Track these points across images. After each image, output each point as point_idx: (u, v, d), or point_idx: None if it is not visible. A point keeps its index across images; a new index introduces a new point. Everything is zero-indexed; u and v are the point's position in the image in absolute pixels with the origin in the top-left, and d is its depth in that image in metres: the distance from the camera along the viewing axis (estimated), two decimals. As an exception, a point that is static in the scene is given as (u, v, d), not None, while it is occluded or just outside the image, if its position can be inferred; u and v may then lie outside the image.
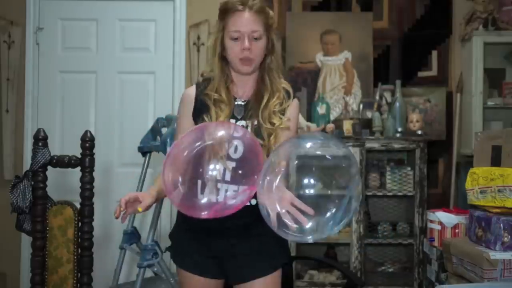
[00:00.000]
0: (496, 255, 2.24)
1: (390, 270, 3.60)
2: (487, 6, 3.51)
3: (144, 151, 3.05)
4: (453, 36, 3.71)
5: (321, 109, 3.52)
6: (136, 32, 3.72)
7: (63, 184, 3.42)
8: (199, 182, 1.63)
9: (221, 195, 1.62)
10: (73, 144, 3.07)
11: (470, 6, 3.58)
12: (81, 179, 2.67)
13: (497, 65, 3.70)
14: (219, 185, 1.63)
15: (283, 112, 1.82)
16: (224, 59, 1.81)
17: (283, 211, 1.55)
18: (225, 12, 1.76)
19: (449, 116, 3.67)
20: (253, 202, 1.71)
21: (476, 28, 3.48)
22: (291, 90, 1.86)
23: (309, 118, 3.57)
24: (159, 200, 1.82)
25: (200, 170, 1.60)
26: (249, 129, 1.77)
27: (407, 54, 3.74)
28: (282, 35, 3.73)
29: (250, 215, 1.73)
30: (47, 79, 3.72)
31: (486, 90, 3.55)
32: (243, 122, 1.79)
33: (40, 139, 2.57)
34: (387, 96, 3.57)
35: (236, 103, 1.81)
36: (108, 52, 3.73)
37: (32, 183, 2.57)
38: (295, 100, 1.88)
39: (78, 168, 2.69)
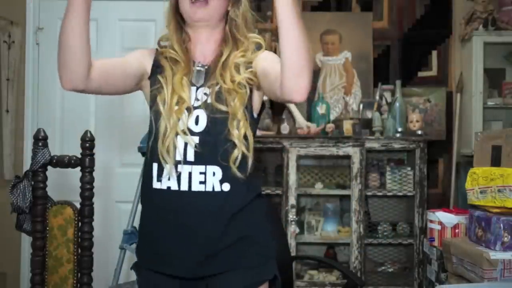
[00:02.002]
0: (496, 255, 2.24)
1: (390, 270, 3.60)
2: (487, 6, 3.51)
3: (144, 151, 3.05)
4: (453, 36, 3.71)
5: (321, 109, 3.52)
6: (136, 32, 3.71)
7: (63, 184, 3.41)
8: None
9: None
10: (73, 144, 3.07)
11: (470, 6, 3.58)
12: (81, 179, 2.68)
13: (497, 65, 3.69)
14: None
15: (249, 65, 1.49)
16: (181, 16, 1.53)
17: None
18: None
19: (449, 116, 3.67)
20: (225, 188, 1.45)
21: (476, 28, 3.48)
22: (263, 43, 1.54)
23: (309, 118, 3.57)
24: None
25: None
26: (210, 97, 1.48)
27: (407, 54, 3.74)
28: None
29: (221, 216, 1.45)
30: (47, 79, 3.72)
31: (486, 90, 3.55)
32: (203, 90, 1.50)
33: (40, 139, 2.57)
34: (387, 96, 3.57)
35: (195, 68, 1.52)
36: (108, 52, 3.72)
37: (32, 183, 2.57)
38: (266, 51, 1.54)
39: (78, 168, 2.70)
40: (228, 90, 1.45)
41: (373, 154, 3.57)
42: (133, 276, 3.09)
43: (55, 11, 3.73)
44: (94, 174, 2.74)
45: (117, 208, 3.63)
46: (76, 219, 2.68)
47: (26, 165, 3.47)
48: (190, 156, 1.44)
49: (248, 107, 1.48)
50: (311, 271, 3.46)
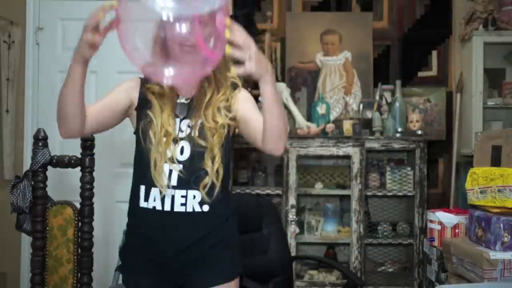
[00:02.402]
0: (496, 255, 2.25)
1: (390, 270, 3.60)
2: (487, 6, 3.51)
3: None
4: (453, 36, 3.71)
5: (321, 109, 3.52)
6: (136, 32, 3.71)
7: (63, 184, 3.41)
8: None
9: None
10: (73, 144, 3.07)
11: (470, 6, 3.58)
12: (81, 179, 2.68)
13: (497, 65, 3.70)
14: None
15: (229, 109, 1.68)
16: (166, 51, 1.60)
17: None
18: None
19: (449, 116, 3.67)
20: (205, 208, 1.66)
21: (476, 28, 3.48)
22: (239, 82, 1.71)
23: (309, 118, 3.57)
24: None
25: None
26: (193, 130, 1.65)
27: (407, 54, 3.74)
28: (282, 35, 3.74)
29: (202, 227, 1.67)
30: (47, 79, 3.72)
31: (486, 90, 3.55)
32: (187, 122, 1.66)
33: (40, 139, 2.57)
34: (387, 96, 3.57)
35: (178, 101, 1.69)
36: (108, 52, 3.70)
37: (32, 183, 2.57)
38: (243, 90, 1.72)
39: (78, 168, 2.70)
40: (209, 128, 1.64)
41: (373, 154, 3.57)
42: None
43: (55, 11, 3.73)
44: (94, 174, 2.74)
45: (117, 208, 3.63)
46: (76, 219, 2.68)
47: (26, 165, 3.47)
48: (174, 181, 1.64)
49: (224, 144, 1.67)
50: (311, 271, 3.46)
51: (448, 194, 3.62)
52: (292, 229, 3.33)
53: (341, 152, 3.37)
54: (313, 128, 3.43)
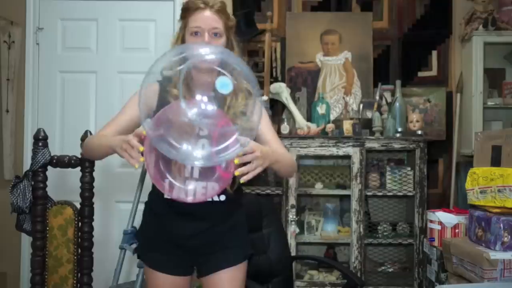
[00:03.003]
0: (496, 255, 2.25)
1: (390, 270, 3.60)
2: (487, 6, 3.51)
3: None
4: (453, 36, 3.71)
5: (321, 109, 3.52)
6: (136, 32, 3.71)
7: (63, 184, 3.42)
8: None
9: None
10: (73, 144, 3.07)
11: (470, 6, 3.59)
12: (81, 179, 2.68)
13: (497, 65, 3.70)
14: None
15: (245, 113, 1.80)
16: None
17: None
18: (187, 11, 1.81)
19: (449, 116, 3.67)
20: (222, 198, 1.82)
21: (476, 28, 3.48)
22: (253, 91, 1.81)
23: (309, 118, 3.57)
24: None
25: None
26: None
27: (407, 54, 3.74)
28: (282, 35, 3.74)
29: (217, 214, 1.84)
30: (47, 79, 3.72)
31: (486, 90, 3.55)
32: None
33: (40, 139, 2.58)
34: (387, 96, 3.57)
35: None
36: (108, 52, 3.73)
37: (32, 183, 2.57)
38: (258, 99, 1.85)
39: (78, 168, 2.70)
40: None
41: (373, 154, 3.57)
42: (133, 276, 3.09)
43: (55, 11, 3.73)
44: (94, 174, 2.74)
45: (117, 208, 3.63)
46: (76, 219, 2.69)
47: (26, 165, 3.47)
48: (196, 174, 1.72)
49: None
50: (311, 271, 3.46)
51: (448, 194, 3.62)
52: (292, 229, 3.33)
53: (341, 152, 3.37)
54: (313, 128, 3.43)
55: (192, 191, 1.70)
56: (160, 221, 1.86)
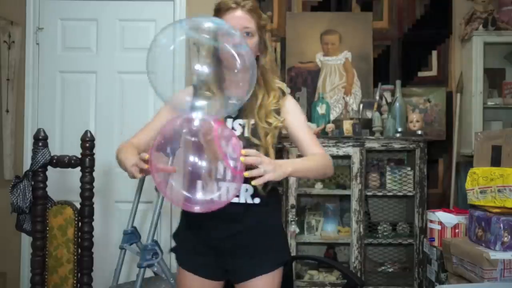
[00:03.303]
0: (496, 255, 2.25)
1: (390, 270, 3.60)
2: (487, 6, 3.51)
3: (144, 151, 3.04)
4: (453, 36, 3.71)
5: (321, 109, 3.52)
6: (136, 32, 3.71)
7: (63, 184, 3.42)
8: (199, 182, 1.65)
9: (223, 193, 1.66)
10: (73, 144, 3.07)
11: (470, 6, 3.59)
12: (81, 179, 2.68)
13: (497, 65, 3.70)
14: (220, 183, 1.67)
15: (278, 111, 1.84)
16: (217, 58, 1.79)
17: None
18: (218, 11, 1.82)
19: (449, 116, 3.67)
20: (256, 201, 1.80)
21: (476, 28, 3.48)
22: (286, 90, 1.88)
23: (309, 118, 3.57)
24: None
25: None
26: (246, 128, 1.79)
27: (407, 54, 3.74)
28: (282, 35, 3.74)
29: (252, 217, 1.81)
30: (47, 79, 3.72)
31: (486, 90, 3.55)
32: (239, 121, 1.80)
33: (40, 139, 2.57)
34: (387, 96, 3.57)
35: (230, 102, 1.78)
36: (108, 52, 3.73)
37: (32, 183, 2.57)
38: (288, 95, 1.90)
39: (78, 168, 2.70)
40: (263, 128, 1.79)
41: (373, 154, 3.57)
42: (133, 276, 3.09)
43: (55, 11, 3.73)
44: (94, 174, 2.74)
45: (117, 208, 3.63)
46: (76, 219, 2.68)
47: (26, 165, 3.47)
48: (228, 176, 1.70)
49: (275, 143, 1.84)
50: (311, 271, 3.46)
51: (448, 194, 3.62)
52: (292, 229, 3.33)
53: (341, 152, 3.37)
54: (313, 128, 3.43)
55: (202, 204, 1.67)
56: (195, 223, 1.85)
